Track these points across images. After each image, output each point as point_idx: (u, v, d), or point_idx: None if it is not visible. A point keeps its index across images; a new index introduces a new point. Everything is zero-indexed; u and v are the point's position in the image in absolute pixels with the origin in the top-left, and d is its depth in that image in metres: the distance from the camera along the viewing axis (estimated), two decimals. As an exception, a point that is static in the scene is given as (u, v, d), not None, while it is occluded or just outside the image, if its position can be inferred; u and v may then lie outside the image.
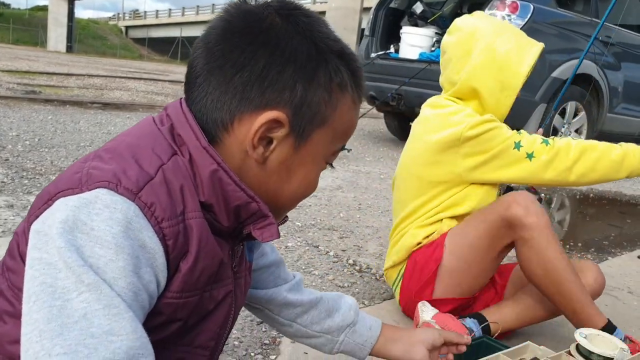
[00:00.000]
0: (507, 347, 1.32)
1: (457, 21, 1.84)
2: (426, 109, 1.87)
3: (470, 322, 1.65)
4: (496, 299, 1.79)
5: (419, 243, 1.76)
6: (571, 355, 1.28)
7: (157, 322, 0.70)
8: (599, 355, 1.24)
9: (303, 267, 2.20)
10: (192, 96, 0.75)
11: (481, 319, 1.66)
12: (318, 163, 0.79)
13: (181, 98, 0.77)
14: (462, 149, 1.69)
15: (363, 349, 1.12)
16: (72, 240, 0.60)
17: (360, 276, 2.19)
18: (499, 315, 1.67)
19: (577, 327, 1.56)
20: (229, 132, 0.73)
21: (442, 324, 1.58)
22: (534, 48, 1.78)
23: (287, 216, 0.88)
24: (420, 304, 1.69)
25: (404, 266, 1.80)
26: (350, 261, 2.34)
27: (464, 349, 1.14)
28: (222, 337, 0.85)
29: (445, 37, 1.86)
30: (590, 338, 1.29)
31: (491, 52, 1.73)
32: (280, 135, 0.73)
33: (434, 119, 1.79)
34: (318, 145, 0.76)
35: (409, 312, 1.80)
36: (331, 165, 0.82)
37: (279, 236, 0.77)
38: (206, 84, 0.72)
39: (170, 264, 0.68)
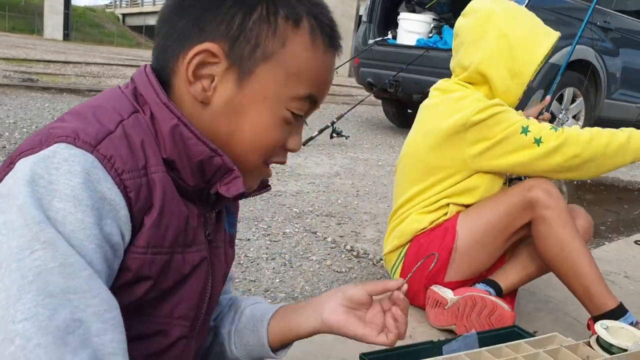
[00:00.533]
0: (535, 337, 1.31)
1: (473, 3, 1.79)
2: (435, 93, 1.82)
3: (483, 286, 1.69)
4: (498, 265, 1.79)
5: (424, 228, 1.75)
6: (589, 346, 1.26)
7: (124, 279, 0.69)
8: (619, 348, 1.21)
9: (301, 253, 2.21)
10: (153, 52, 0.77)
11: (491, 283, 1.70)
12: (272, 106, 0.75)
13: (146, 64, 0.77)
14: (467, 134, 1.66)
15: (260, 326, 0.96)
16: (30, 194, 0.59)
17: (358, 261, 2.21)
18: (505, 276, 1.72)
19: (588, 308, 1.59)
20: (174, 73, 0.74)
21: (464, 295, 1.63)
22: (549, 37, 1.74)
23: (269, 185, 0.87)
24: (434, 287, 1.71)
25: (405, 249, 1.79)
26: (348, 247, 2.35)
27: (400, 295, 0.93)
28: (202, 308, 0.84)
29: (460, 20, 1.81)
30: (611, 330, 1.26)
31: (504, 38, 1.69)
32: (219, 70, 0.72)
33: (443, 104, 1.76)
34: (266, 84, 0.73)
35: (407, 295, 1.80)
36: (300, 116, 0.77)
37: (244, 189, 0.75)
38: (159, 35, 0.76)
39: (134, 217, 0.67)
